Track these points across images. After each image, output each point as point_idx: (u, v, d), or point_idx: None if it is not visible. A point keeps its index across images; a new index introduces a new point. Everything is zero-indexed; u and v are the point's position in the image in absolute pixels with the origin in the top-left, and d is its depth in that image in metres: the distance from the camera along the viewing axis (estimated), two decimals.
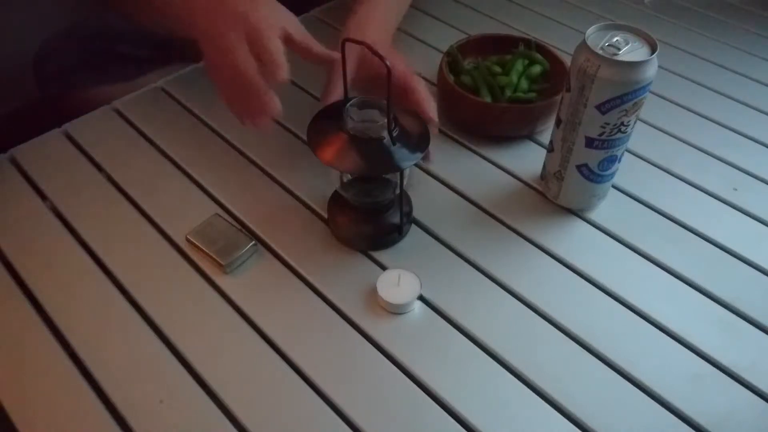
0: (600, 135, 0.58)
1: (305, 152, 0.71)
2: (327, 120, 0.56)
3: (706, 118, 0.78)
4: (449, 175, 0.69)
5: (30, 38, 0.93)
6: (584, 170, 0.61)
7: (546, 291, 0.58)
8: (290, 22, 0.60)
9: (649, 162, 0.72)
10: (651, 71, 0.54)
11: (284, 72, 0.56)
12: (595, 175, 0.61)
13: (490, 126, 0.73)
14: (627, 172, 0.67)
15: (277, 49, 0.56)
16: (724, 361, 0.54)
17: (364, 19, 0.68)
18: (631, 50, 0.54)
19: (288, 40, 0.58)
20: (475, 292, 0.58)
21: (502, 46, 0.78)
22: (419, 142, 0.55)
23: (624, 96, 0.55)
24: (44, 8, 0.74)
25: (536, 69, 0.75)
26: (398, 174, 0.56)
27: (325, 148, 0.54)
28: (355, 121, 0.53)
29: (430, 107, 0.62)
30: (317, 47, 0.61)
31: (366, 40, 0.53)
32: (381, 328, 0.55)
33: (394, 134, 0.53)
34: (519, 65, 0.74)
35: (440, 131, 0.75)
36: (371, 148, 0.53)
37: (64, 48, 0.89)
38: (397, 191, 0.58)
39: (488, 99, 0.72)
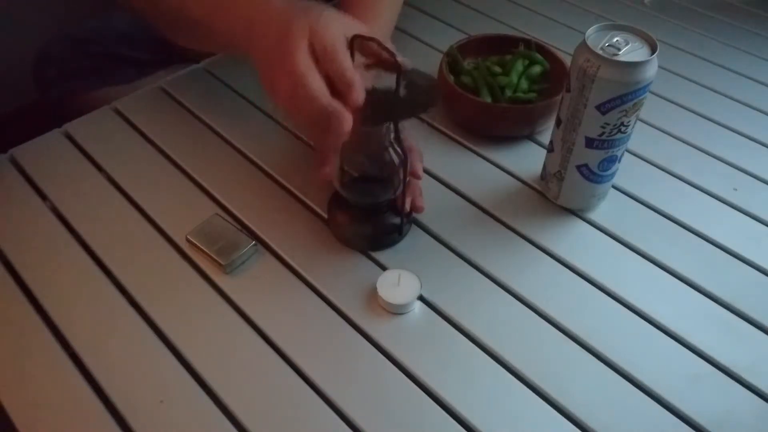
0: (600, 135, 0.58)
1: (305, 152, 0.71)
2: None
3: (706, 118, 0.78)
4: (449, 176, 0.69)
5: (30, 39, 0.93)
6: (584, 170, 0.61)
7: (546, 291, 0.58)
8: (354, 28, 0.54)
9: (649, 162, 0.72)
10: (651, 71, 0.54)
11: (359, 94, 0.50)
12: (595, 176, 0.61)
13: (490, 126, 0.73)
14: (627, 172, 0.67)
15: (349, 66, 0.50)
16: (724, 361, 0.54)
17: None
18: (631, 50, 0.54)
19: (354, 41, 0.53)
20: (475, 292, 0.58)
21: (502, 46, 0.78)
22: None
23: (624, 96, 0.55)
24: (44, 9, 0.74)
25: (536, 69, 0.75)
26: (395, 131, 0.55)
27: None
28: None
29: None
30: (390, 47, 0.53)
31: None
32: (381, 328, 0.55)
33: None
34: (519, 65, 0.74)
35: (440, 131, 0.75)
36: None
37: (64, 51, 0.90)
38: (398, 192, 0.58)
39: (488, 99, 0.72)
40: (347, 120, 0.50)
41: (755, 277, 0.60)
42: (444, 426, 0.50)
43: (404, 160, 0.55)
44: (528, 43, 0.77)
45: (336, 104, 0.50)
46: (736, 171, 0.71)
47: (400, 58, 0.51)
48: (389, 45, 0.49)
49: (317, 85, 0.49)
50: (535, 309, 0.57)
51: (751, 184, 0.70)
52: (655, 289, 0.59)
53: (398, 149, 0.56)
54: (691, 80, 0.84)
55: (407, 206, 0.60)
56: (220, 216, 0.63)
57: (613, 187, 0.67)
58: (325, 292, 0.58)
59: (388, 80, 0.53)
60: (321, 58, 0.50)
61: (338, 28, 0.52)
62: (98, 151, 0.71)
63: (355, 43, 0.53)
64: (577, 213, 0.66)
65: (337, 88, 0.50)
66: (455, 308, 0.57)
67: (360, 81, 0.50)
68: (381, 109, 0.54)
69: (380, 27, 0.68)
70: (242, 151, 0.71)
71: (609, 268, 0.60)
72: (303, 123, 0.54)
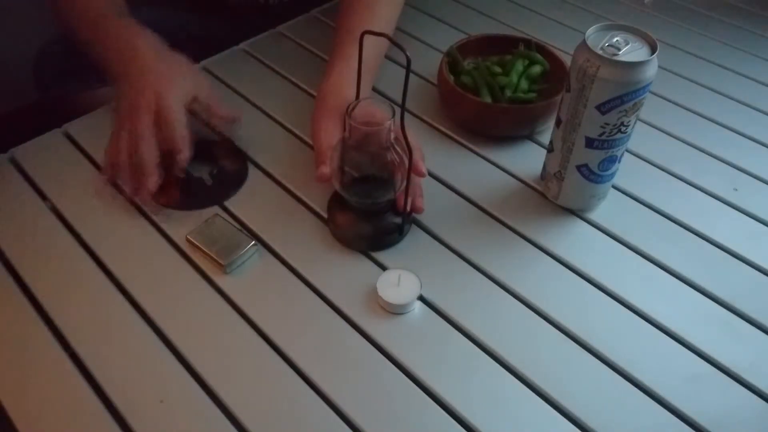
0: (600, 135, 0.58)
1: (305, 152, 0.71)
2: None
3: (706, 118, 0.78)
4: (449, 176, 0.69)
5: (30, 39, 0.93)
6: (584, 170, 0.61)
7: (546, 291, 0.58)
8: (199, 86, 0.65)
9: (649, 162, 0.72)
10: (651, 71, 0.54)
11: (185, 158, 0.62)
12: (595, 176, 0.61)
13: (490, 126, 0.73)
14: (627, 172, 0.67)
15: (182, 135, 0.62)
16: (724, 361, 0.54)
17: (338, 81, 0.68)
18: (631, 50, 0.54)
19: (193, 102, 0.64)
20: (475, 292, 0.58)
21: (502, 46, 0.78)
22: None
23: (624, 96, 0.55)
24: (44, 9, 0.74)
25: (536, 69, 0.75)
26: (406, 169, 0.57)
27: None
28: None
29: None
30: (222, 109, 0.67)
31: (343, 99, 0.62)
32: (381, 328, 0.55)
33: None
34: (519, 65, 0.74)
35: (440, 131, 0.75)
36: None
37: (64, 51, 0.89)
38: (399, 191, 0.58)
39: (488, 99, 0.72)
40: (153, 182, 0.61)
41: (755, 277, 0.60)
42: (444, 426, 0.50)
43: (409, 159, 0.55)
44: (528, 43, 0.77)
45: (150, 161, 0.61)
46: (736, 171, 0.71)
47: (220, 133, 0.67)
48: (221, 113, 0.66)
49: (148, 152, 0.61)
50: (535, 309, 0.57)
51: (751, 184, 0.70)
52: (655, 289, 0.59)
53: (398, 149, 0.56)
54: (691, 80, 0.84)
55: (408, 206, 0.60)
56: (220, 216, 0.63)
57: (613, 187, 0.67)
58: (325, 292, 0.58)
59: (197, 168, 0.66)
60: (162, 126, 0.61)
61: (182, 96, 0.63)
62: (98, 151, 0.70)
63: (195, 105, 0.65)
64: (577, 213, 0.66)
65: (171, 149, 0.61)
66: (455, 308, 0.57)
67: (186, 145, 0.62)
68: (191, 194, 0.65)
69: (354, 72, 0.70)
70: (242, 151, 0.71)
71: (609, 268, 0.60)
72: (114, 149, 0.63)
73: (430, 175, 0.69)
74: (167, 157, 0.62)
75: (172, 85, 0.63)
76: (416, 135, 0.63)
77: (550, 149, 0.64)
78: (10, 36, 1.26)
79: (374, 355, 0.54)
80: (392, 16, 0.77)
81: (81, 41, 0.70)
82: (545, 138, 0.70)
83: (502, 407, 0.51)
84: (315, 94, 0.77)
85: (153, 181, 0.60)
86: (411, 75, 0.82)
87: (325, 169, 0.60)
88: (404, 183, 0.57)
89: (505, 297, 0.58)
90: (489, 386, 0.52)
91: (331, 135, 0.63)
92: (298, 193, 0.67)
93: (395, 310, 0.56)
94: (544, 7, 0.96)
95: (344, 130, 0.55)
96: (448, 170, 0.70)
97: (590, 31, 0.56)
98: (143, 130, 0.60)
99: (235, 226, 0.62)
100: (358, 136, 0.54)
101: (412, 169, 0.57)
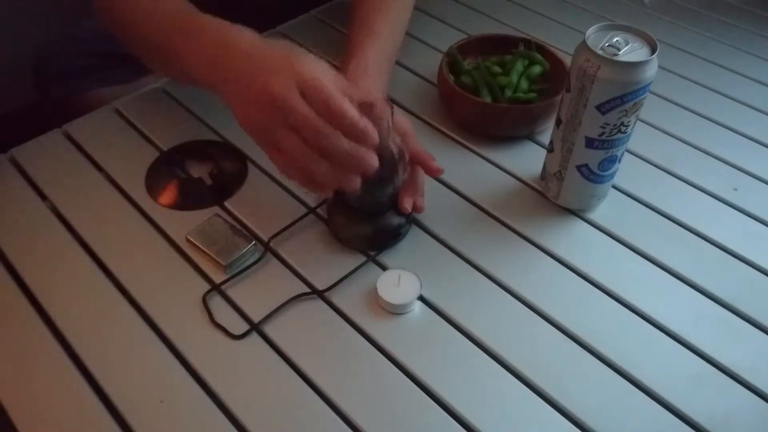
0: (600, 135, 0.58)
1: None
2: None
3: (706, 118, 0.78)
4: (449, 176, 0.69)
5: (30, 39, 0.93)
6: (584, 170, 0.61)
7: (546, 291, 0.58)
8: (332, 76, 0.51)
9: (649, 162, 0.72)
10: (651, 71, 0.54)
11: (375, 134, 0.49)
12: (595, 176, 0.61)
13: (490, 126, 0.73)
14: (627, 172, 0.67)
15: (351, 107, 0.48)
16: (724, 361, 0.54)
17: (354, 76, 0.63)
18: (631, 50, 0.54)
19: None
20: (475, 292, 0.58)
21: (502, 46, 0.78)
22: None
23: (624, 96, 0.55)
24: (44, 9, 0.74)
25: (536, 69, 0.75)
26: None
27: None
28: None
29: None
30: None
31: (361, 94, 0.50)
32: (381, 328, 0.55)
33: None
34: (519, 65, 0.74)
35: (440, 131, 0.75)
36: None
37: (64, 51, 0.89)
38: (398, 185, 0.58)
39: (488, 99, 0.72)
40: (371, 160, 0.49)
41: (755, 277, 0.60)
42: (444, 426, 0.50)
43: (401, 154, 0.56)
44: (528, 43, 0.77)
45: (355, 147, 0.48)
46: (736, 171, 0.71)
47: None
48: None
49: (336, 136, 0.48)
50: (535, 309, 0.57)
51: (751, 184, 0.70)
52: (655, 289, 0.59)
53: (396, 143, 0.56)
54: (691, 80, 0.84)
55: (408, 206, 0.60)
56: (220, 216, 0.63)
57: (613, 187, 0.67)
58: (325, 291, 0.58)
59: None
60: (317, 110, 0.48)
61: (327, 74, 0.50)
62: (98, 151, 0.71)
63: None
64: (577, 213, 0.66)
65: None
66: (455, 308, 0.57)
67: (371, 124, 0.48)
68: (190, 194, 0.64)
69: (374, 64, 0.66)
70: (242, 151, 0.71)
71: (609, 268, 0.60)
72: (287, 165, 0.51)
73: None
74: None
75: (301, 60, 0.49)
76: (418, 139, 0.63)
77: (550, 149, 0.64)
78: (10, 36, 1.26)
79: (374, 354, 0.54)
80: (408, 4, 0.75)
81: (148, 47, 0.62)
82: (545, 138, 0.70)
83: (502, 407, 0.51)
84: None
85: (372, 160, 0.49)
86: (411, 75, 0.83)
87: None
88: (405, 174, 0.57)
89: (505, 297, 0.58)
90: (489, 386, 0.52)
91: None
92: (298, 193, 0.67)
93: (395, 310, 0.56)
94: (544, 7, 0.96)
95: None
96: (448, 170, 0.69)
97: (590, 31, 0.56)
98: (307, 116, 0.47)
99: (235, 226, 0.62)
100: None
101: (425, 170, 0.57)
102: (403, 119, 0.61)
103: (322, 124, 0.48)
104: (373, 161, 0.50)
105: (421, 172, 0.62)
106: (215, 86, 0.53)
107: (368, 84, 0.64)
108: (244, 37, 0.53)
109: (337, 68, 0.58)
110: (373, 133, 0.49)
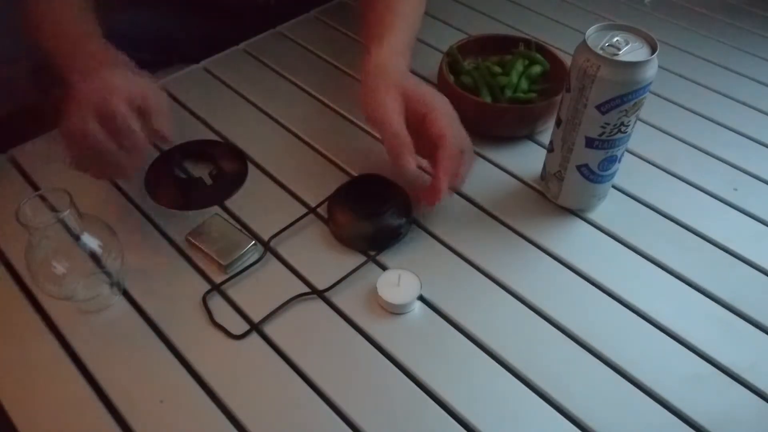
0: (600, 135, 0.58)
1: (305, 152, 0.72)
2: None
3: (706, 118, 0.78)
4: None
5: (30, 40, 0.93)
6: (584, 170, 0.61)
7: (546, 291, 0.58)
8: (151, 91, 0.58)
9: (649, 162, 0.72)
10: (651, 71, 0.54)
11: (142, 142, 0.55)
12: (595, 175, 0.61)
13: (490, 126, 0.73)
14: (627, 172, 0.67)
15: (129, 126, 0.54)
16: (724, 361, 0.54)
17: (389, 53, 0.62)
18: (631, 50, 0.54)
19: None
20: (475, 292, 0.58)
21: (502, 46, 0.78)
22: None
23: (624, 96, 0.55)
24: None
25: (536, 69, 0.75)
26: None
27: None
28: None
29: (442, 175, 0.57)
30: (158, 120, 0.57)
31: (391, 83, 0.56)
32: (381, 328, 0.55)
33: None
34: (519, 65, 0.74)
35: None
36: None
37: None
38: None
39: (488, 99, 0.72)
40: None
41: (755, 277, 0.60)
42: (444, 426, 0.50)
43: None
44: (528, 43, 0.77)
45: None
46: (736, 171, 0.71)
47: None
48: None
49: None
50: (535, 309, 0.57)
51: (751, 184, 0.70)
52: (655, 289, 0.59)
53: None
54: (691, 80, 0.84)
55: (439, 185, 0.57)
56: (220, 216, 0.63)
57: (613, 187, 0.67)
58: (325, 291, 0.58)
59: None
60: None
61: (129, 92, 0.56)
62: None
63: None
64: (577, 213, 0.66)
65: None
66: (455, 308, 0.57)
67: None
68: (191, 194, 0.65)
69: (399, 44, 0.64)
70: (242, 151, 0.71)
71: (609, 268, 0.60)
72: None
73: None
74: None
75: (122, 78, 0.57)
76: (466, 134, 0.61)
77: (550, 149, 0.64)
78: (10, 36, 1.26)
79: (374, 354, 0.54)
80: None
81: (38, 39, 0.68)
82: (545, 138, 0.70)
83: (502, 407, 0.51)
84: (325, 101, 0.77)
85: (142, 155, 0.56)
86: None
87: (411, 162, 0.55)
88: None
89: (505, 297, 0.58)
90: (489, 386, 0.52)
91: (399, 115, 0.56)
92: (298, 193, 0.67)
93: (395, 310, 0.56)
94: (544, 7, 0.96)
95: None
96: None
97: (590, 31, 0.56)
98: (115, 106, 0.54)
99: (235, 226, 0.62)
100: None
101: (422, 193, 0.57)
102: (442, 124, 0.58)
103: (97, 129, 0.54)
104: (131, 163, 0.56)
105: (464, 162, 0.59)
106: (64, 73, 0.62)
107: (400, 62, 0.62)
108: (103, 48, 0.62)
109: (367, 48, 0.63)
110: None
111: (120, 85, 0.56)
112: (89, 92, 0.56)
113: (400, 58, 0.62)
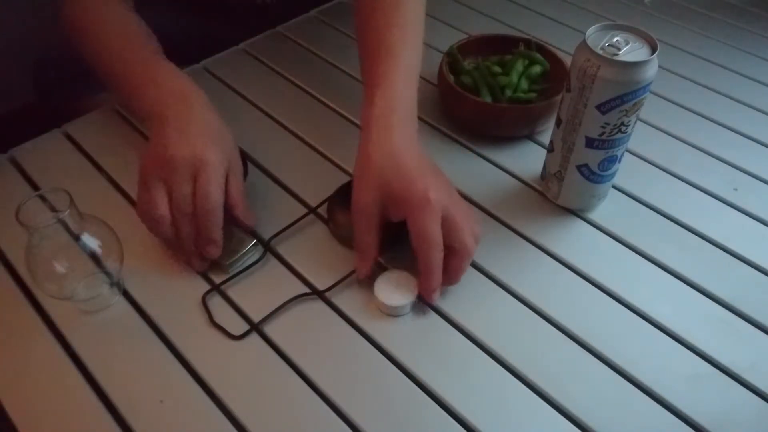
0: (600, 135, 0.58)
1: (305, 152, 0.71)
2: None
3: (706, 118, 0.78)
4: (449, 175, 0.68)
5: (30, 41, 0.93)
6: (584, 170, 0.61)
7: (546, 291, 0.58)
8: (234, 164, 0.59)
9: (649, 162, 0.72)
10: (651, 71, 0.54)
11: (216, 253, 0.57)
12: (596, 175, 0.61)
13: (490, 126, 0.73)
14: (627, 172, 0.67)
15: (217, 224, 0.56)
16: (724, 361, 0.54)
17: (382, 113, 0.59)
18: (631, 50, 0.54)
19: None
20: (474, 292, 0.58)
21: (502, 46, 0.78)
22: None
23: (624, 96, 0.55)
24: (44, 11, 0.74)
25: (536, 69, 0.75)
26: None
27: None
28: None
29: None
30: (241, 207, 0.59)
31: (401, 163, 0.55)
32: (380, 329, 0.55)
33: None
34: (519, 65, 0.74)
35: (440, 131, 0.75)
36: None
37: (64, 54, 0.89)
38: None
39: (488, 99, 0.72)
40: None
41: (755, 277, 0.60)
42: (444, 426, 0.50)
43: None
44: (528, 43, 0.77)
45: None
46: (736, 171, 0.71)
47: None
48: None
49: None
50: (535, 309, 0.57)
51: (751, 184, 0.70)
52: (655, 289, 0.59)
53: None
54: (691, 80, 0.84)
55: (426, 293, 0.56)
56: None
57: (613, 187, 0.67)
58: (325, 292, 0.58)
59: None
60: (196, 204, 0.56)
61: (222, 172, 0.57)
62: (98, 151, 0.71)
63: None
64: (577, 213, 0.66)
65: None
66: (455, 308, 0.57)
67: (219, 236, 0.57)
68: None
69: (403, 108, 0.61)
70: (242, 151, 0.71)
71: (609, 268, 0.60)
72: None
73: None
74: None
75: (214, 153, 0.56)
76: (420, 139, 0.61)
77: (550, 149, 0.64)
78: (10, 37, 1.26)
79: (374, 354, 0.54)
80: (420, 10, 0.68)
81: (98, 70, 0.67)
82: (545, 138, 0.70)
83: (502, 407, 0.51)
84: (325, 101, 0.77)
85: (215, 249, 0.57)
86: None
87: (363, 272, 0.56)
88: None
89: (505, 297, 0.58)
90: (489, 386, 0.52)
91: (377, 219, 0.55)
92: (298, 193, 0.67)
93: (394, 312, 0.56)
94: (544, 7, 0.96)
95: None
96: (448, 170, 0.69)
97: (590, 31, 0.56)
98: (186, 194, 0.55)
99: (234, 226, 0.62)
100: None
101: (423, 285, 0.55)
102: (466, 237, 0.55)
103: (186, 204, 0.55)
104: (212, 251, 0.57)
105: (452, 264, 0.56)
106: (145, 122, 0.62)
107: (394, 120, 0.58)
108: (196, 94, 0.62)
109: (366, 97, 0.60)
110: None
111: (213, 160, 0.56)
112: (181, 159, 0.55)
113: (392, 115, 0.58)
